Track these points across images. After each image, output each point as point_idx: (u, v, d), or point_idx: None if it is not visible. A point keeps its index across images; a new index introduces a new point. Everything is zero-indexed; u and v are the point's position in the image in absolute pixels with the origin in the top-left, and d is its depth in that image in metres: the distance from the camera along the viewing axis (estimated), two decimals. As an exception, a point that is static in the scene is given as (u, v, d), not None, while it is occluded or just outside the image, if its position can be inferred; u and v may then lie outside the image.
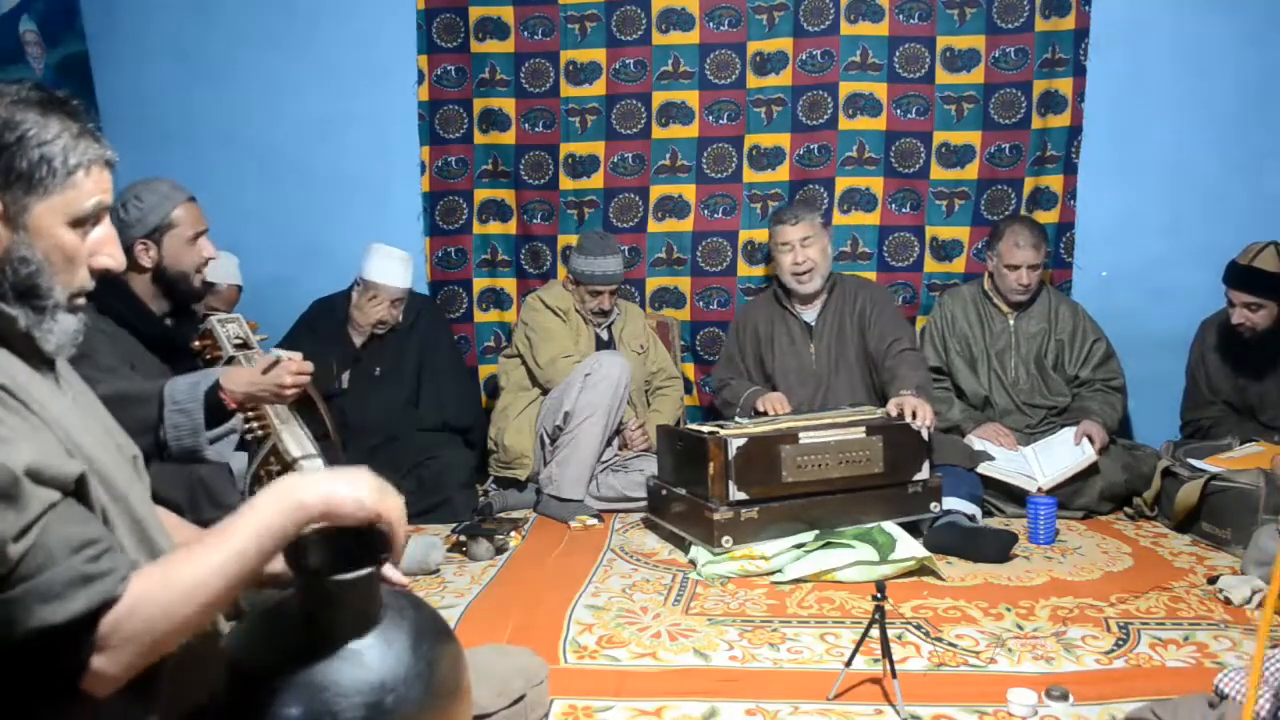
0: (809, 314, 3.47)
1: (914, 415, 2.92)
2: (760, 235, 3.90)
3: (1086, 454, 3.20)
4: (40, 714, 0.99)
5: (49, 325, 1.09)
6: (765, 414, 3.21)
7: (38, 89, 1.10)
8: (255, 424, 2.25)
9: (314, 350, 3.28)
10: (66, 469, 0.99)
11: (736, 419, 3.15)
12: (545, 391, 3.50)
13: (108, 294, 2.11)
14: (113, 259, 1.14)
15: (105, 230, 1.14)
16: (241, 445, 2.31)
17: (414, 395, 3.51)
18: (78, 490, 1.01)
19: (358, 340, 3.43)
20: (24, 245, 1.06)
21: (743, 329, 3.59)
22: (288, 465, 2.19)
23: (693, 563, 2.77)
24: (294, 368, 2.06)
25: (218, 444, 2.04)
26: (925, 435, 2.92)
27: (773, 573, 2.65)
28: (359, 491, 1.11)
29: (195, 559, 1.03)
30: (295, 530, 1.08)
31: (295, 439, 2.26)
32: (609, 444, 3.40)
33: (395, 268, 3.42)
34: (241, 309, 3.21)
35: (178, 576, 1.01)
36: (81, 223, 1.10)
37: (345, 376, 3.41)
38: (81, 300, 1.14)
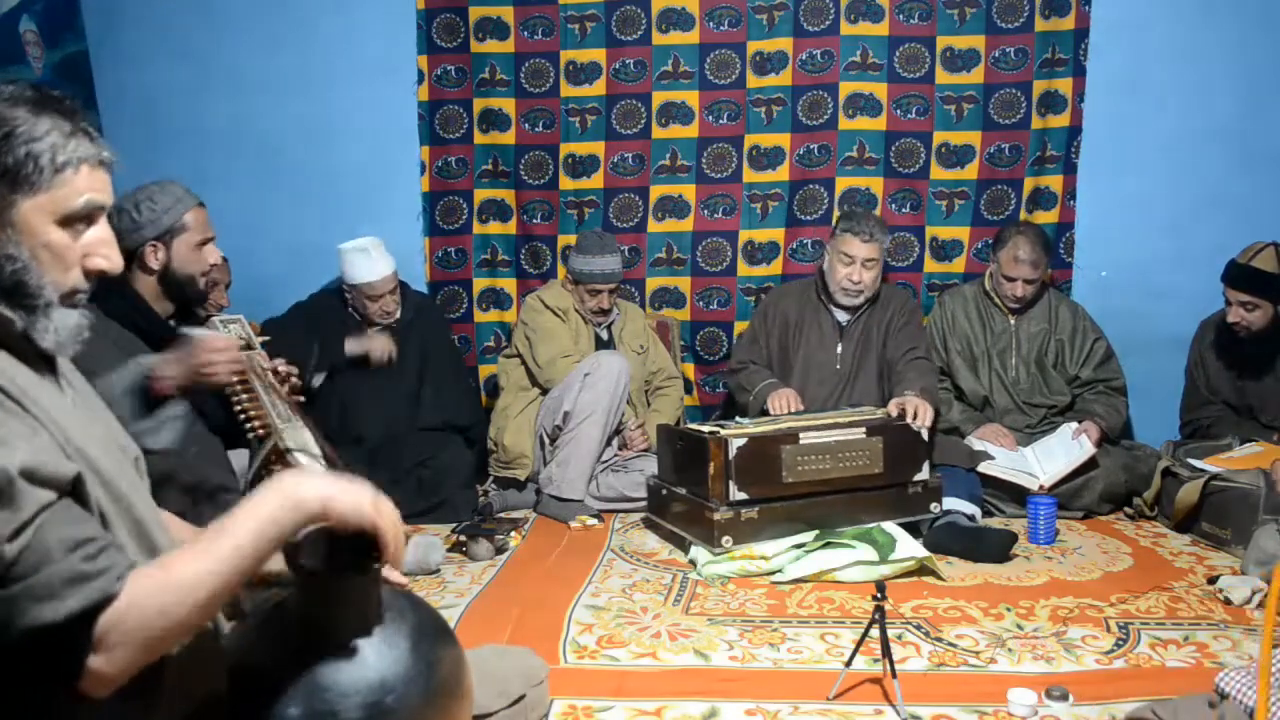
0: (843, 315, 3.43)
1: (914, 415, 2.92)
2: (760, 235, 3.91)
3: (1084, 449, 3.20)
4: (42, 714, 0.99)
5: (44, 324, 1.08)
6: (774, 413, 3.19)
7: (34, 88, 1.09)
8: (256, 424, 2.24)
9: (297, 340, 3.22)
10: (62, 469, 0.99)
11: (737, 420, 3.15)
12: (545, 391, 3.50)
13: (112, 296, 2.11)
14: (108, 261, 1.13)
15: (102, 231, 1.13)
16: (242, 444, 2.31)
17: (413, 394, 3.50)
18: (75, 490, 1.01)
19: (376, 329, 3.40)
20: (10, 243, 1.06)
21: (771, 312, 3.53)
22: (290, 465, 2.19)
23: (693, 563, 2.77)
24: (210, 345, 1.95)
25: (162, 432, 1.97)
26: (924, 435, 2.92)
27: (773, 573, 2.65)
28: (357, 497, 1.12)
29: (193, 556, 1.03)
30: (293, 529, 1.08)
31: (297, 438, 2.25)
32: (609, 444, 3.40)
33: (372, 261, 3.34)
34: (241, 309, 3.20)
35: (176, 574, 1.01)
36: (71, 221, 1.09)
37: (319, 377, 3.24)
38: (80, 297, 1.13)
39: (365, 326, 3.42)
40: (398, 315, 3.46)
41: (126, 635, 0.97)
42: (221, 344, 2.00)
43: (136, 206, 2.25)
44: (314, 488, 1.10)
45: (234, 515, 1.07)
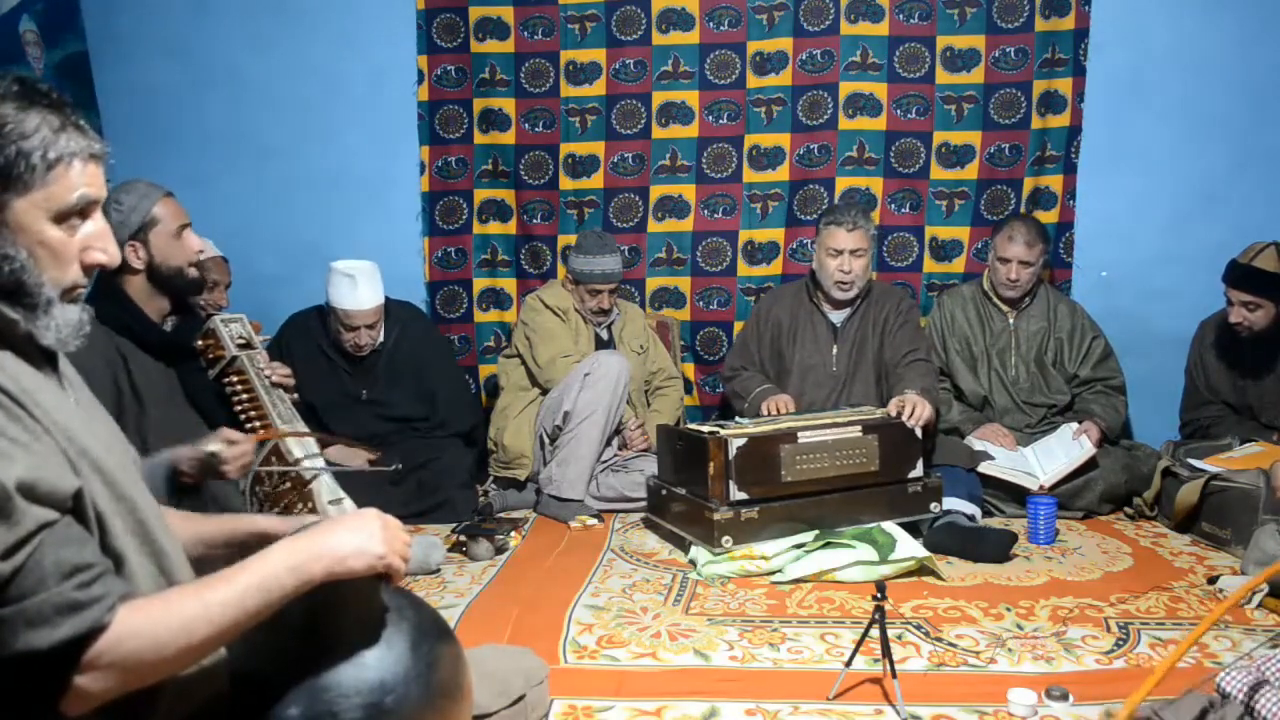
0: (837, 316, 3.42)
1: (910, 412, 2.92)
2: (760, 235, 3.91)
3: (1085, 449, 3.20)
4: (37, 714, 0.99)
5: (45, 321, 1.07)
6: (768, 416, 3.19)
7: (19, 82, 1.06)
8: (257, 424, 2.25)
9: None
10: (62, 485, 0.98)
11: (737, 420, 3.15)
12: (545, 391, 3.49)
13: (104, 302, 2.10)
14: (106, 254, 1.12)
15: (97, 225, 1.12)
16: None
17: (407, 416, 3.40)
18: (74, 505, 1.00)
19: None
20: (6, 242, 1.04)
21: (763, 317, 3.52)
22: (289, 464, 2.20)
23: (693, 563, 2.77)
24: (231, 454, 1.88)
25: None
26: (917, 432, 2.92)
27: (773, 573, 2.65)
28: (368, 547, 1.15)
29: (194, 599, 1.04)
30: (295, 593, 1.10)
31: (297, 439, 2.26)
32: (609, 444, 3.40)
33: (355, 290, 3.16)
34: (240, 309, 3.19)
35: (175, 612, 1.02)
36: (66, 217, 1.07)
37: None
38: (80, 292, 1.12)
39: (347, 355, 3.32)
40: (372, 348, 3.30)
41: (114, 663, 0.98)
42: (239, 448, 1.90)
43: (104, 212, 2.22)
44: (323, 558, 1.11)
45: (245, 565, 1.08)
